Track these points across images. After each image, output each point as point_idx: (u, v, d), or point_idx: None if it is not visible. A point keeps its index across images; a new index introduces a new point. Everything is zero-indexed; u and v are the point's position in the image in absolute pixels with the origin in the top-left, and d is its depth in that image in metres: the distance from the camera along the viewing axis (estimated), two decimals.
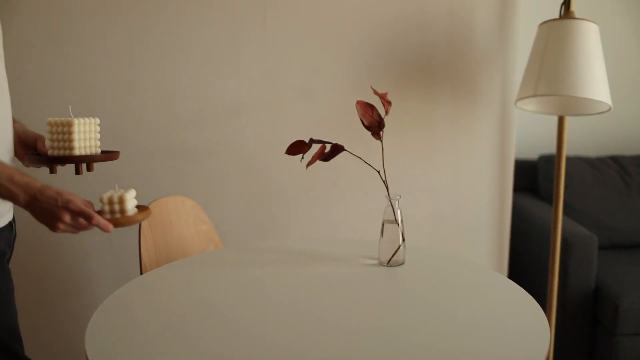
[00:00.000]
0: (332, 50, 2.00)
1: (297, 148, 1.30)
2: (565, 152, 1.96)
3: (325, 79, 2.01)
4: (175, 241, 1.60)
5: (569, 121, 1.99)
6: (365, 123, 1.30)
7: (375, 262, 1.36)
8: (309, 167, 1.31)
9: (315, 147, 1.31)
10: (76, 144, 1.15)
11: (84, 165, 1.18)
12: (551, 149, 2.61)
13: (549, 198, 2.43)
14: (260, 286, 1.15)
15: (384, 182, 1.34)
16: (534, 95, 1.79)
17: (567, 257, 2.04)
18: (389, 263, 1.33)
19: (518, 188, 2.54)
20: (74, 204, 1.01)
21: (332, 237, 2.07)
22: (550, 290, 2.00)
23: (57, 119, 1.16)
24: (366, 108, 1.30)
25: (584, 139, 2.66)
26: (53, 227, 1.02)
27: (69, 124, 1.15)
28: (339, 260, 1.37)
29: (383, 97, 1.32)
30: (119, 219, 1.05)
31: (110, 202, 1.05)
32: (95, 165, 1.25)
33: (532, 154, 2.66)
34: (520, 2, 2.03)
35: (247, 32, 1.96)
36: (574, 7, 1.86)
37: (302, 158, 1.32)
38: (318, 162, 1.30)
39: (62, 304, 2.00)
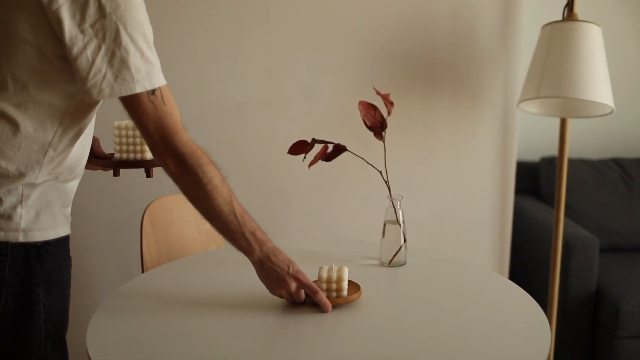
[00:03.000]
0: (335, 50, 2.00)
1: (299, 148, 1.30)
2: (567, 154, 1.96)
3: (327, 79, 2.01)
4: (176, 240, 1.60)
5: (571, 123, 1.98)
6: (368, 123, 1.30)
7: (377, 262, 1.36)
8: (310, 167, 1.31)
9: (318, 147, 1.31)
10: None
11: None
12: (553, 151, 2.60)
13: (550, 200, 2.43)
14: (261, 286, 1.15)
15: (386, 182, 1.34)
16: (537, 97, 1.79)
17: (568, 259, 2.04)
18: (390, 264, 1.33)
19: (520, 190, 2.53)
20: (303, 275, 1.05)
21: (333, 238, 2.07)
22: (551, 293, 2.00)
23: (125, 122, 1.18)
24: (369, 108, 1.30)
25: (586, 141, 2.66)
26: (275, 291, 1.06)
27: None
28: (340, 261, 1.37)
29: (385, 98, 1.32)
30: (337, 299, 1.09)
31: (329, 280, 1.09)
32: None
33: (534, 155, 2.66)
34: (523, 4, 2.03)
35: (249, 31, 1.96)
36: (577, 9, 1.86)
37: (304, 158, 1.32)
38: (320, 162, 1.30)
39: None
